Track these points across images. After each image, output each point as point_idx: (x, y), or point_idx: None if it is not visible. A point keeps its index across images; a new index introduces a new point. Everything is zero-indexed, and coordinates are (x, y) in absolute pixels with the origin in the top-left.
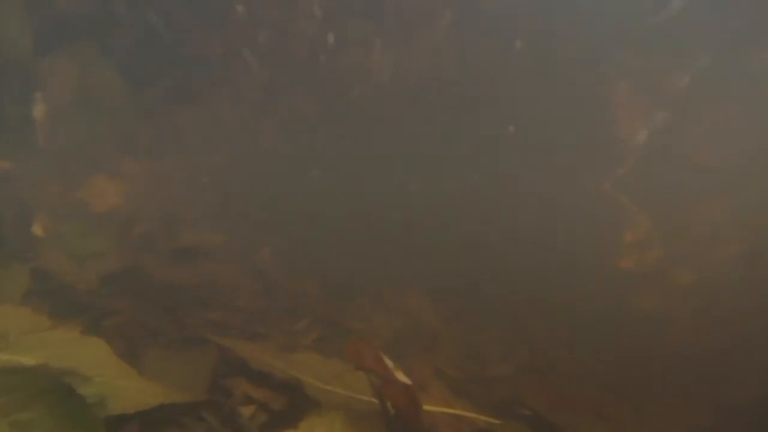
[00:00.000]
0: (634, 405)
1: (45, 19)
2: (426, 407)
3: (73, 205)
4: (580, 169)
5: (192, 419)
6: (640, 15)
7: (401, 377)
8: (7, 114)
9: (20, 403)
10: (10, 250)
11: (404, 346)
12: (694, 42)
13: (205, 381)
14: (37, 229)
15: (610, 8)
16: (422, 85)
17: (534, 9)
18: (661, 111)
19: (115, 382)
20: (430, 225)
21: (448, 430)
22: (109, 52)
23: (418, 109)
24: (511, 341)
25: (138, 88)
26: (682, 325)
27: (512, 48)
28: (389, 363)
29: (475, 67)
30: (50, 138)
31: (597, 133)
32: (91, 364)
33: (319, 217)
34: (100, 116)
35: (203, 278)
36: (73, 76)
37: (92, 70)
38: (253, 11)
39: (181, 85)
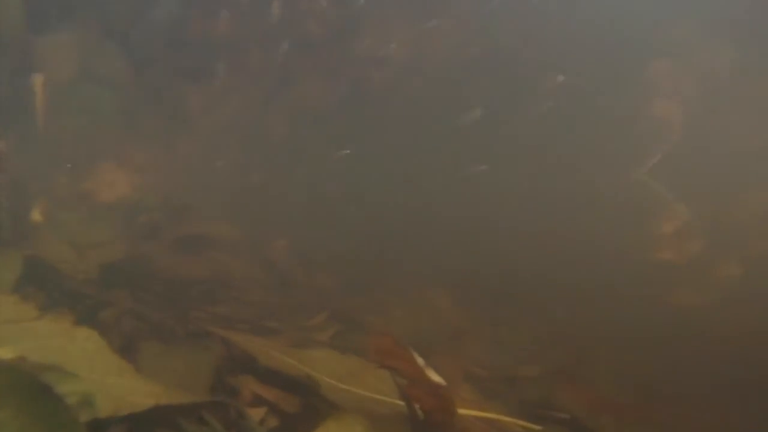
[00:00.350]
0: (679, 410)
1: None
2: (458, 411)
3: (78, 193)
4: (613, 155)
5: (192, 422)
6: None
7: (433, 377)
8: (2, 95)
9: None
10: (4, 236)
11: (428, 343)
12: (735, 20)
13: (207, 379)
14: (36, 215)
15: None
16: (446, 69)
17: None
18: (701, 92)
19: (107, 379)
20: (451, 215)
21: None
22: (111, 30)
23: (440, 95)
24: (542, 339)
25: (142, 69)
26: (729, 324)
27: (542, 29)
28: (419, 360)
29: (505, 49)
30: (50, 122)
31: (630, 116)
32: (80, 358)
33: (335, 208)
34: (103, 99)
35: (212, 270)
36: (72, 56)
37: (93, 50)
38: None
39: (188, 66)
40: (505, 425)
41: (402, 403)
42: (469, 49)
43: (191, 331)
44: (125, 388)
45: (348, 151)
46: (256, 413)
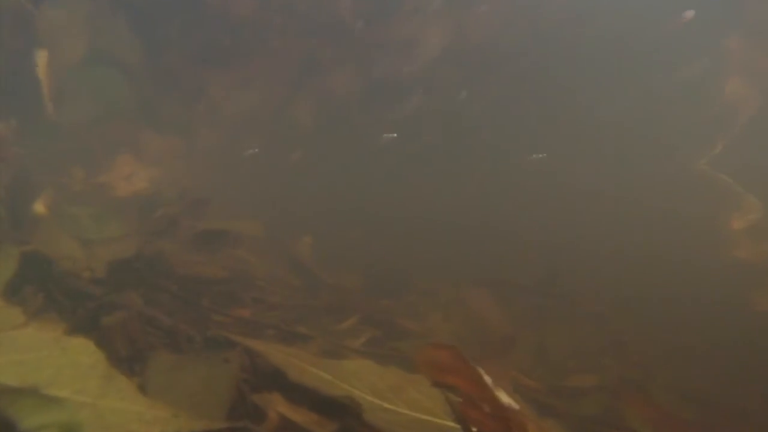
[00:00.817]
0: (759, 428)
1: None
2: None
3: (90, 186)
4: (673, 145)
5: None
6: None
7: (504, 398)
8: (4, 74)
9: None
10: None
11: (469, 351)
12: None
13: (227, 398)
14: (39, 208)
15: None
16: (484, 57)
17: None
18: None
19: (101, 403)
20: (491, 213)
21: None
22: (122, 5)
23: (475, 85)
24: (596, 347)
25: (157, 50)
26: None
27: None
28: (486, 378)
29: (549, 34)
30: (59, 107)
31: (691, 102)
32: (70, 376)
33: (363, 203)
34: (116, 83)
35: (232, 270)
36: (80, 33)
37: (104, 27)
38: None
39: (208, 48)
40: None
41: (456, 425)
42: (514, 31)
43: (209, 338)
44: (124, 414)
45: (395, 135)
46: None
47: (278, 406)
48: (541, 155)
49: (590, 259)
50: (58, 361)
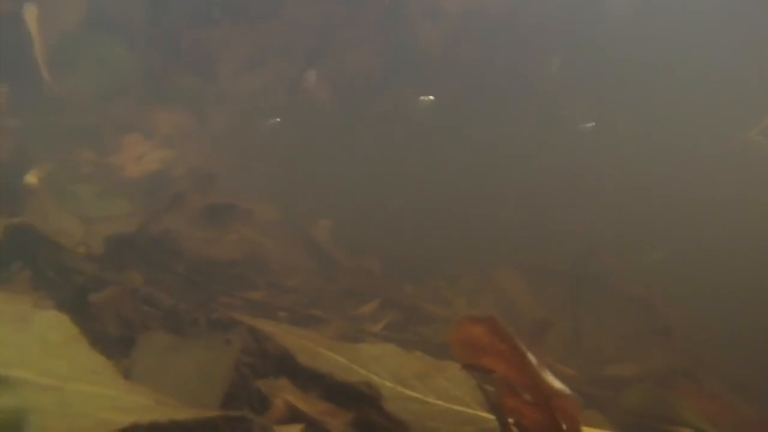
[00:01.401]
0: None
1: None
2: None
3: (95, 164)
4: (720, 116)
5: None
6: None
7: (554, 383)
8: None
9: None
10: None
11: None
12: None
13: (223, 384)
14: (31, 179)
15: None
16: (504, 29)
17: None
18: None
19: (69, 386)
20: (519, 190)
21: None
22: None
23: (501, 57)
24: (639, 334)
25: (162, 15)
26: None
27: None
28: (531, 358)
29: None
30: (57, 77)
31: (738, 70)
32: (33, 354)
33: (384, 184)
34: (118, 53)
35: (245, 252)
36: None
37: None
38: None
39: (217, 15)
40: None
41: (490, 416)
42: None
43: (215, 320)
44: (96, 400)
45: (432, 97)
46: None
47: (285, 393)
48: (590, 124)
49: (629, 240)
50: (23, 338)
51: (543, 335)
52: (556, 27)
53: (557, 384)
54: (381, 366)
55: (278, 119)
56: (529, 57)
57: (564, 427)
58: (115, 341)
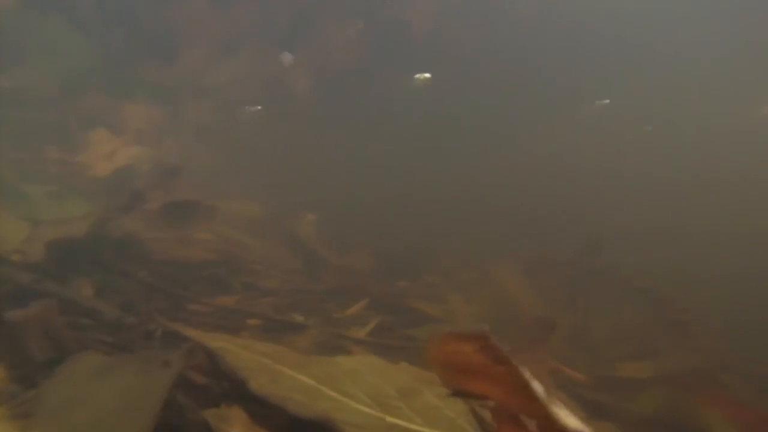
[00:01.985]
0: None
1: None
2: None
3: (66, 166)
4: (736, 90)
5: None
6: None
7: (566, 419)
8: None
9: None
10: None
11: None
12: None
13: (148, 418)
14: None
15: None
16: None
17: None
18: None
19: None
20: (518, 177)
21: None
22: None
23: (493, 37)
24: (651, 330)
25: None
26: None
27: None
28: (535, 386)
29: None
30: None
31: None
32: None
33: (371, 174)
34: (68, 35)
35: (222, 252)
36: None
37: None
38: None
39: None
40: None
41: None
42: None
43: (171, 332)
44: None
45: (428, 75)
46: None
47: (236, 426)
48: (605, 101)
49: (638, 228)
50: None
51: (545, 335)
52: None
53: (572, 422)
54: (358, 384)
55: (259, 107)
56: (522, 37)
57: None
58: (37, 367)
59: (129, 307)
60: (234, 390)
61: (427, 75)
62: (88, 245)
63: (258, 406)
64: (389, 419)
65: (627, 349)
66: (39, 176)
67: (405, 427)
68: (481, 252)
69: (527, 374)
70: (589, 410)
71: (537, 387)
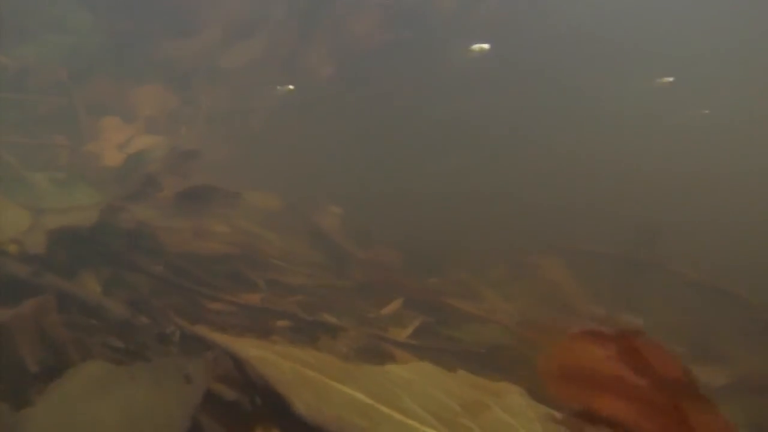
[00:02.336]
0: None
1: None
2: None
3: (76, 155)
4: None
5: None
6: None
7: None
8: None
9: None
10: None
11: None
12: None
13: None
14: None
15: None
16: None
17: None
18: None
19: None
20: (559, 167)
21: None
22: None
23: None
24: (719, 329)
25: None
26: None
27: None
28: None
29: None
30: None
31: None
32: None
33: (398, 165)
34: (74, 10)
35: (242, 246)
36: None
37: None
38: None
39: None
40: None
41: None
42: None
43: (191, 335)
44: None
45: (487, 45)
46: None
47: None
48: (668, 79)
49: (690, 219)
50: None
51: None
52: None
53: None
54: (417, 398)
55: (291, 86)
56: (561, 12)
57: None
58: (31, 380)
59: (141, 306)
60: (272, 408)
61: (486, 46)
62: (95, 235)
63: (301, 426)
64: None
65: (691, 349)
66: (44, 163)
67: None
68: (517, 248)
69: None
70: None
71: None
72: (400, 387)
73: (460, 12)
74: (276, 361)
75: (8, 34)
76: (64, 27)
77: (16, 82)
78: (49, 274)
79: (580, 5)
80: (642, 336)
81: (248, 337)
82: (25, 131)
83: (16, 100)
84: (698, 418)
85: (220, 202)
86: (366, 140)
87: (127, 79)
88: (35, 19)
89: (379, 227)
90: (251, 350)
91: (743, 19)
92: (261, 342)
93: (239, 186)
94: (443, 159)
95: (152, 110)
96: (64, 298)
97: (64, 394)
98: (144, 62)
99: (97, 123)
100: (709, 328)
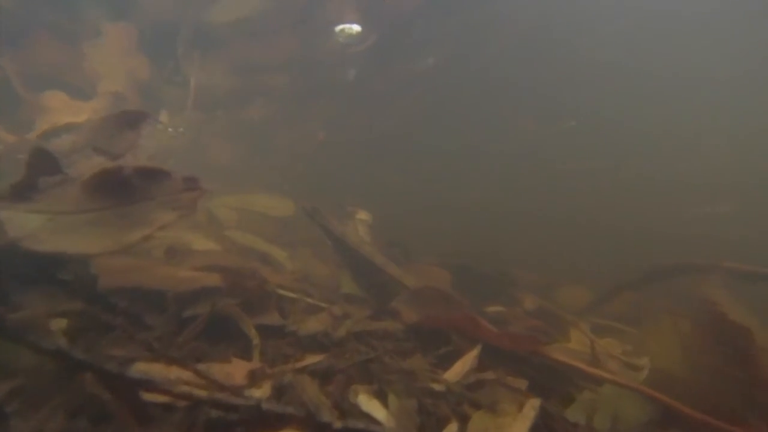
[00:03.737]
0: None
1: None
2: None
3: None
4: None
5: None
6: None
7: None
8: None
9: None
10: None
11: None
12: None
13: None
14: None
15: None
16: None
17: None
18: None
19: None
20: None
21: None
22: None
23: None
24: None
25: None
26: None
27: None
28: None
29: None
30: None
31: None
32: None
33: (433, 175)
34: None
35: (223, 271)
36: None
37: None
38: None
39: None
40: None
41: None
42: None
43: None
44: None
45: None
46: None
47: None
48: None
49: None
50: None
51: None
52: None
53: None
54: None
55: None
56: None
57: None
58: None
59: None
60: None
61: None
62: None
63: None
64: None
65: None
66: None
67: None
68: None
69: None
70: None
71: None
72: None
73: None
74: None
75: None
76: None
77: None
78: None
79: None
80: None
81: None
82: None
83: None
84: None
85: (168, 201)
86: (395, 143)
87: (80, 39)
88: None
89: (416, 245)
90: None
91: None
92: None
93: (239, 186)
94: (490, 166)
95: (118, 84)
96: None
97: None
98: (105, 12)
99: (35, 101)
100: None
